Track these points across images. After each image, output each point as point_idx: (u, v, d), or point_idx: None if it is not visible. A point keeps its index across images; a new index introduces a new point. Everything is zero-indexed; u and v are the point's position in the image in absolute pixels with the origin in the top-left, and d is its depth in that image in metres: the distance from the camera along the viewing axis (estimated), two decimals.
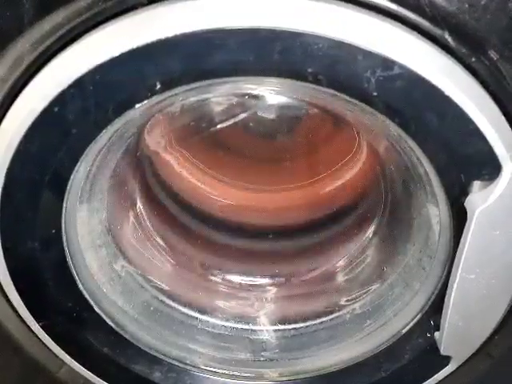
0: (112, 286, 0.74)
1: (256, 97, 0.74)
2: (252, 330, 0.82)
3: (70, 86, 0.50)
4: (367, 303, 0.79)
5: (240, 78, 0.53)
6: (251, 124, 0.81)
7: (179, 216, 0.91)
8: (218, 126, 0.80)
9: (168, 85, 0.51)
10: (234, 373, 0.76)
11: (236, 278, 0.89)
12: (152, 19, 0.49)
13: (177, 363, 0.75)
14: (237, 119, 0.79)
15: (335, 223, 0.92)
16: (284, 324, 0.82)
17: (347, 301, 0.82)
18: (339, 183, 0.91)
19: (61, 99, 0.51)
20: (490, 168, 0.52)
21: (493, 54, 0.51)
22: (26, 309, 0.65)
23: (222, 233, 0.92)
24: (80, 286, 0.66)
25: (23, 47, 0.52)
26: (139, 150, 0.82)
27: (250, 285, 0.89)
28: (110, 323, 0.71)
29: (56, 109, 0.51)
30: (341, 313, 0.80)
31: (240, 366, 0.77)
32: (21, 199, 0.57)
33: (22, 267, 0.62)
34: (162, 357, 0.74)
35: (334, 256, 0.89)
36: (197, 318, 0.82)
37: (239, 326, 0.82)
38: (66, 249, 0.63)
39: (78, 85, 0.50)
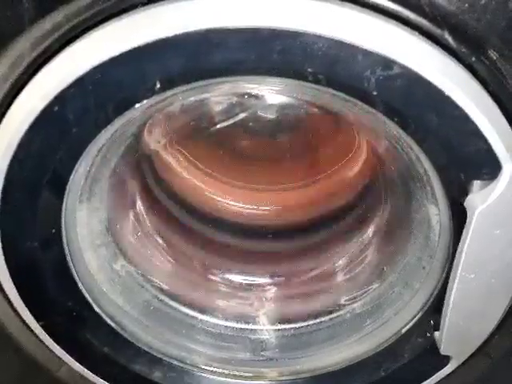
0: (112, 285, 0.74)
1: (256, 96, 0.74)
2: (252, 329, 0.82)
3: (70, 86, 0.50)
4: (367, 303, 0.79)
5: (240, 77, 0.53)
6: (251, 124, 0.81)
7: (179, 215, 0.91)
8: (218, 126, 0.80)
9: (168, 84, 0.51)
10: (234, 372, 0.76)
11: (236, 278, 0.89)
12: (152, 18, 0.49)
13: (177, 363, 0.75)
14: (237, 119, 0.79)
15: (335, 223, 0.91)
16: (284, 323, 0.82)
17: (347, 300, 0.82)
18: (339, 183, 0.91)
19: (61, 98, 0.51)
20: (489, 168, 0.52)
21: (493, 54, 0.51)
22: (26, 309, 0.65)
23: (222, 233, 0.92)
24: (80, 285, 0.66)
25: (23, 47, 0.52)
26: (139, 150, 0.82)
27: (250, 284, 0.89)
28: (110, 323, 0.71)
29: (56, 108, 0.51)
30: (341, 312, 0.80)
31: (240, 365, 0.77)
32: (20, 199, 0.57)
33: (22, 267, 0.62)
34: (161, 356, 0.74)
35: (334, 256, 0.89)
36: (197, 318, 0.82)
37: (239, 325, 0.82)
38: (65, 248, 0.63)
39: (78, 84, 0.50)
